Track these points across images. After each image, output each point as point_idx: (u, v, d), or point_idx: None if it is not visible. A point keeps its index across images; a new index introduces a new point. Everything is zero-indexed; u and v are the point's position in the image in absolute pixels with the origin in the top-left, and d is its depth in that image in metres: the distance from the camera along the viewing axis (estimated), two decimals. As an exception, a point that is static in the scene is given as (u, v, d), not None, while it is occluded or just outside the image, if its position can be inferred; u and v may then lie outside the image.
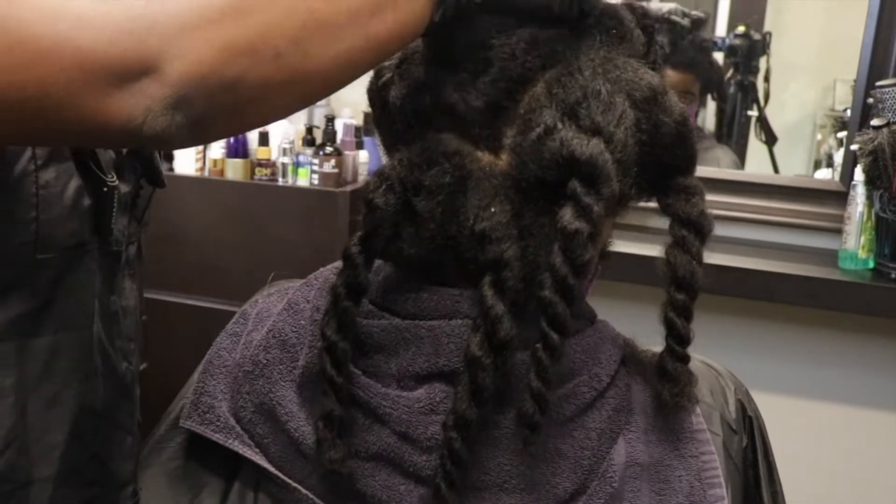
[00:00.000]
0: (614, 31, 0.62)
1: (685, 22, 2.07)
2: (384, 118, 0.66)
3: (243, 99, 0.50)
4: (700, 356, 0.69)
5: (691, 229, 0.62)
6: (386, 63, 0.65)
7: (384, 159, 0.67)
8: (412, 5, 0.54)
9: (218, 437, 0.63)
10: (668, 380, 0.62)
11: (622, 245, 1.69)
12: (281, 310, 0.66)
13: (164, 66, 0.47)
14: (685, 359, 0.62)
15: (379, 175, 0.60)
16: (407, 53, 0.64)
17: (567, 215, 0.55)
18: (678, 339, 0.62)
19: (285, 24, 0.50)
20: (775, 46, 2.17)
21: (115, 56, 0.47)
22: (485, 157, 0.60)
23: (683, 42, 2.10)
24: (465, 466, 0.56)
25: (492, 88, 0.59)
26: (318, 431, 0.58)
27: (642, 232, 1.61)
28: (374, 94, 0.66)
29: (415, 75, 0.62)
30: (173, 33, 0.48)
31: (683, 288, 0.61)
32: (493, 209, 0.57)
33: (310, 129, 2.00)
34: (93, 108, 0.48)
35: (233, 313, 0.72)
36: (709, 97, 2.27)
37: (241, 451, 0.62)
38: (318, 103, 2.11)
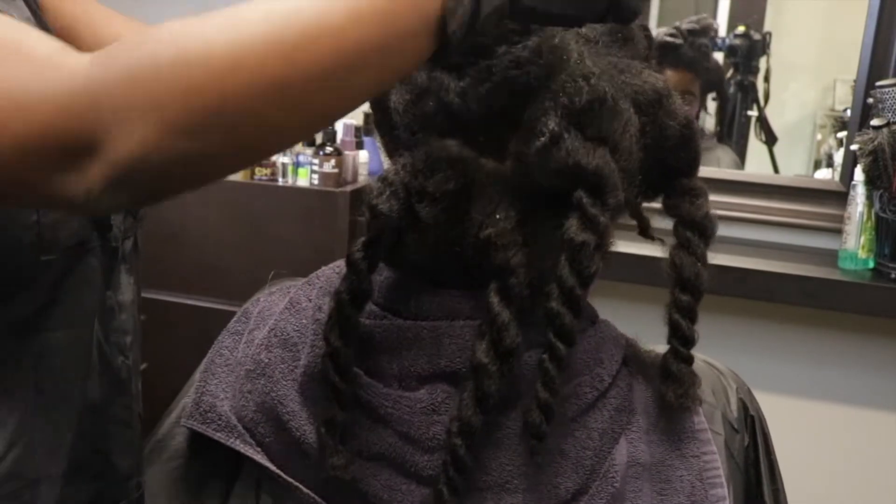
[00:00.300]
0: (620, 34, 0.62)
1: (679, 41, 2.09)
2: (385, 122, 0.65)
3: (191, 172, 0.48)
4: (702, 355, 0.69)
5: (696, 231, 0.62)
6: None
7: (385, 161, 0.67)
8: (416, 43, 0.48)
9: (220, 437, 0.63)
10: (673, 381, 0.62)
11: (622, 245, 1.68)
12: (283, 308, 0.66)
13: (104, 147, 0.45)
14: (689, 360, 0.62)
15: (382, 180, 0.59)
16: None
17: (573, 227, 0.55)
18: (683, 340, 0.62)
19: (244, 98, 0.45)
20: (775, 46, 2.17)
21: (53, 140, 0.45)
22: (488, 163, 0.59)
23: (683, 45, 2.11)
24: (468, 472, 0.57)
25: (496, 96, 0.58)
26: (321, 437, 0.58)
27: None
28: (374, 100, 0.66)
29: (416, 80, 0.61)
30: (114, 112, 0.44)
31: (688, 289, 0.61)
32: (497, 216, 0.57)
33: (310, 129, 2.00)
34: (36, 188, 0.46)
35: (233, 313, 0.72)
36: (709, 97, 2.27)
37: (242, 451, 0.62)
38: (318, 103, 2.11)
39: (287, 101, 0.46)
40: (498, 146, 0.59)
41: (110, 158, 0.45)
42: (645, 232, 0.68)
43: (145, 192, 0.48)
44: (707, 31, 2.14)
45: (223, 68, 0.44)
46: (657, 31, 2.17)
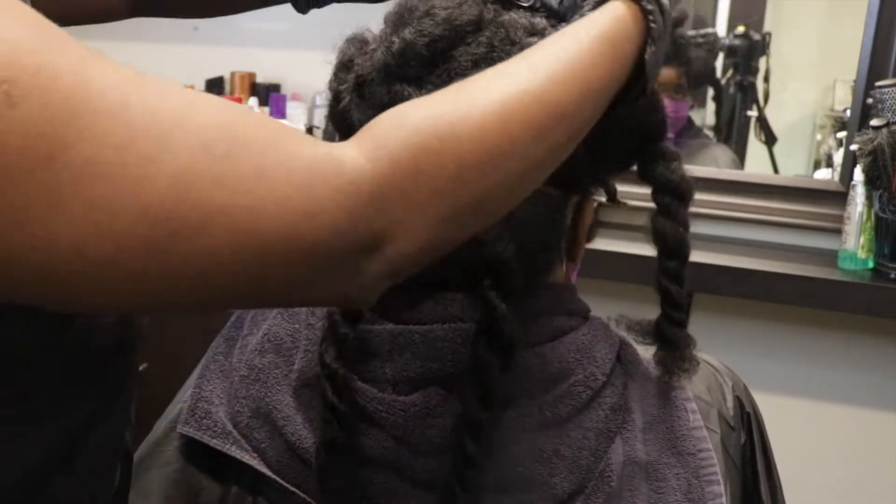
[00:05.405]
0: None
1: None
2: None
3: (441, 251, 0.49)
4: (698, 353, 0.69)
5: (674, 195, 0.62)
6: (342, 86, 0.63)
7: None
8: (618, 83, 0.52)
9: (216, 443, 0.63)
10: (668, 345, 0.62)
11: (615, 244, 1.68)
12: (276, 313, 0.66)
13: (385, 247, 0.45)
14: (682, 324, 0.63)
15: None
16: (364, 74, 0.61)
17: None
18: (674, 305, 0.62)
19: (514, 183, 0.48)
20: (775, 46, 2.17)
21: (339, 244, 0.44)
22: None
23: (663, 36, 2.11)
24: (478, 468, 0.57)
25: None
26: (321, 459, 0.58)
27: (634, 231, 1.61)
28: (337, 117, 0.64)
29: (378, 96, 0.60)
30: (401, 212, 0.45)
31: (673, 255, 0.62)
32: None
33: (310, 130, 2.00)
34: (310, 288, 0.45)
35: (233, 313, 0.72)
36: (709, 98, 2.27)
37: (238, 457, 0.62)
38: (318, 103, 2.11)
39: (540, 176, 0.50)
40: None
41: (390, 256, 0.45)
42: (613, 198, 0.69)
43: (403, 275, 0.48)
44: (680, 20, 2.13)
45: (496, 158, 0.46)
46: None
